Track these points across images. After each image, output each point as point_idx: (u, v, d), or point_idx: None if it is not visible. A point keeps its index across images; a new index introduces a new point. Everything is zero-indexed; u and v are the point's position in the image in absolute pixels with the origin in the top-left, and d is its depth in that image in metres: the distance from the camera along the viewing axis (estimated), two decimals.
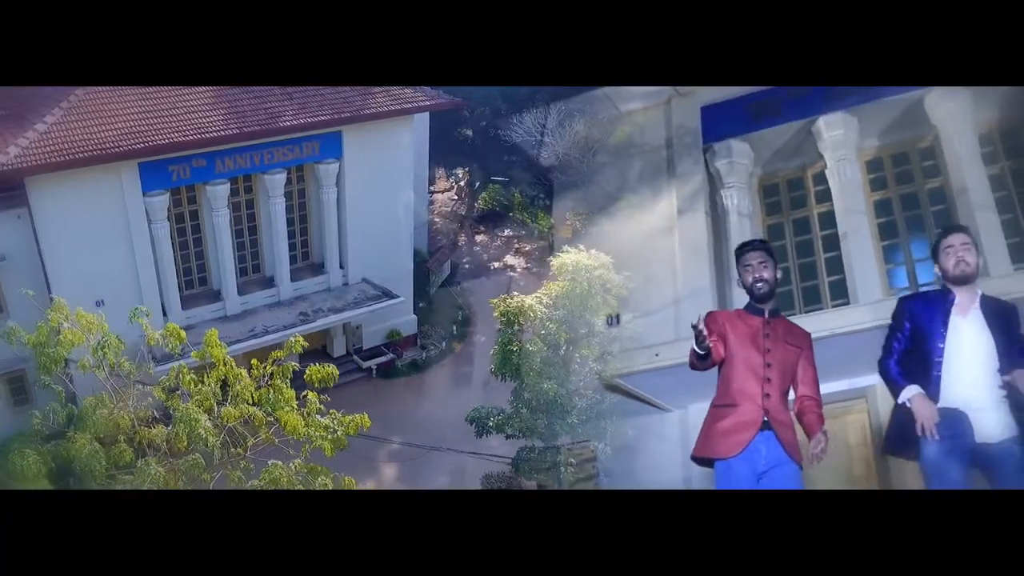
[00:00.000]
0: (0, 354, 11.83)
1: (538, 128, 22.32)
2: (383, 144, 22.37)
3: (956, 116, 12.17)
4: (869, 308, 10.84)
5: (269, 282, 22.79)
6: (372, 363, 23.85)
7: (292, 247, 23.01)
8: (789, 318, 5.60)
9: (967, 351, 5.21)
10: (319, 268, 23.57)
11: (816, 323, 10.31)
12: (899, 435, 5.47)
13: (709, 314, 5.37)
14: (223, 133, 19.20)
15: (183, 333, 10.08)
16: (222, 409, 9.85)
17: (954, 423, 5.14)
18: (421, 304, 26.22)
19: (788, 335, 5.37)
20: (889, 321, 5.48)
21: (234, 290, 21.79)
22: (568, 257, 14.85)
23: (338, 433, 10.11)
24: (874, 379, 10.43)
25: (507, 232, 31.45)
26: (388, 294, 23.02)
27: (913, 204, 12.26)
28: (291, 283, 22.69)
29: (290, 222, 22.61)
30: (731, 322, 5.33)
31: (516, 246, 30.58)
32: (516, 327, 14.89)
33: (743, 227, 13.26)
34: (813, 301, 12.17)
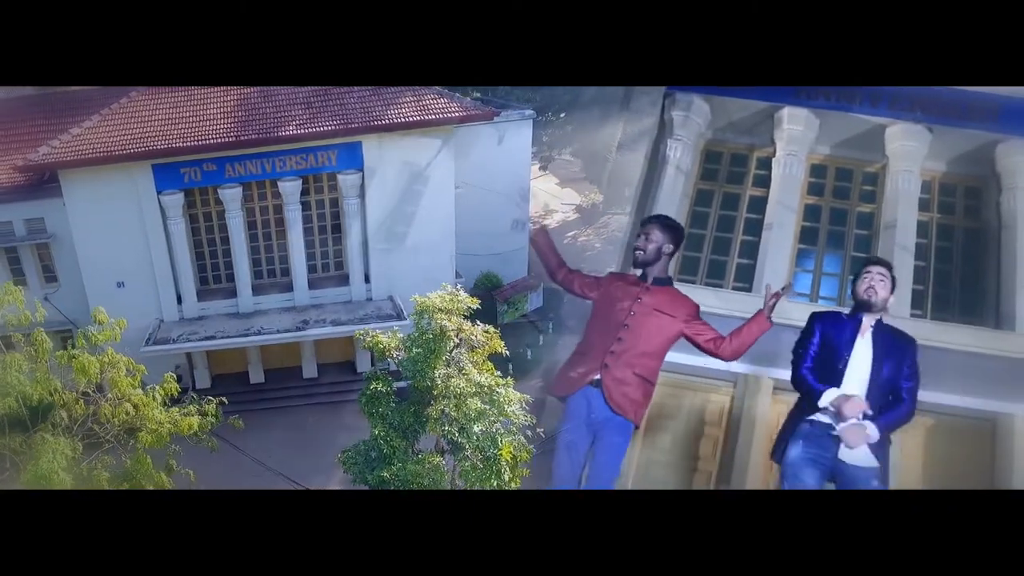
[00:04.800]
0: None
1: None
2: (411, 156, 21.25)
3: (909, 155, 12.29)
4: None
5: (291, 287, 22.70)
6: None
7: (324, 255, 22.93)
8: (687, 286, 6.17)
9: (855, 372, 5.45)
10: (347, 280, 22.95)
11: (713, 299, 10.36)
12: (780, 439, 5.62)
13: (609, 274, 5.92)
14: (222, 140, 19.77)
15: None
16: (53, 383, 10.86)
17: (823, 436, 5.34)
18: None
19: (666, 304, 5.56)
20: (782, 323, 5.64)
21: (248, 289, 22.07)
22: (424, 298, 13.16)
23: (162, 430, 10.70)
24: (750, 369, 10.68)
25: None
26: (399, 316, 21.92)
27: (840, 220, 12.41)
28: (309, 291, 22.57)
29: (321, 230, 22.41)
30: (614, 282, 5.74)
31: None
32: (378, 364, 13.55)
33: (676, 183, 13.04)
34: (717, 276, 12.20)
